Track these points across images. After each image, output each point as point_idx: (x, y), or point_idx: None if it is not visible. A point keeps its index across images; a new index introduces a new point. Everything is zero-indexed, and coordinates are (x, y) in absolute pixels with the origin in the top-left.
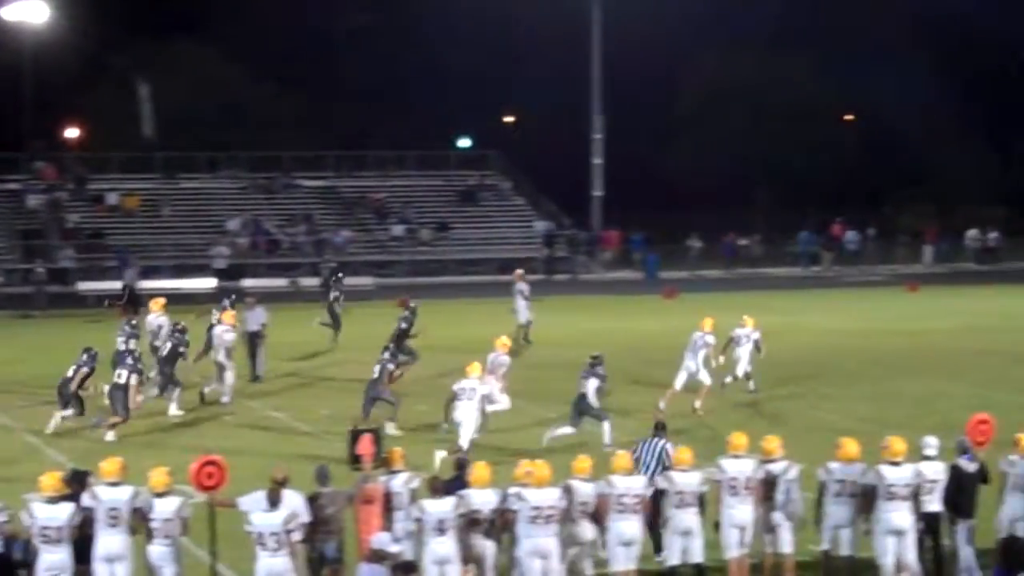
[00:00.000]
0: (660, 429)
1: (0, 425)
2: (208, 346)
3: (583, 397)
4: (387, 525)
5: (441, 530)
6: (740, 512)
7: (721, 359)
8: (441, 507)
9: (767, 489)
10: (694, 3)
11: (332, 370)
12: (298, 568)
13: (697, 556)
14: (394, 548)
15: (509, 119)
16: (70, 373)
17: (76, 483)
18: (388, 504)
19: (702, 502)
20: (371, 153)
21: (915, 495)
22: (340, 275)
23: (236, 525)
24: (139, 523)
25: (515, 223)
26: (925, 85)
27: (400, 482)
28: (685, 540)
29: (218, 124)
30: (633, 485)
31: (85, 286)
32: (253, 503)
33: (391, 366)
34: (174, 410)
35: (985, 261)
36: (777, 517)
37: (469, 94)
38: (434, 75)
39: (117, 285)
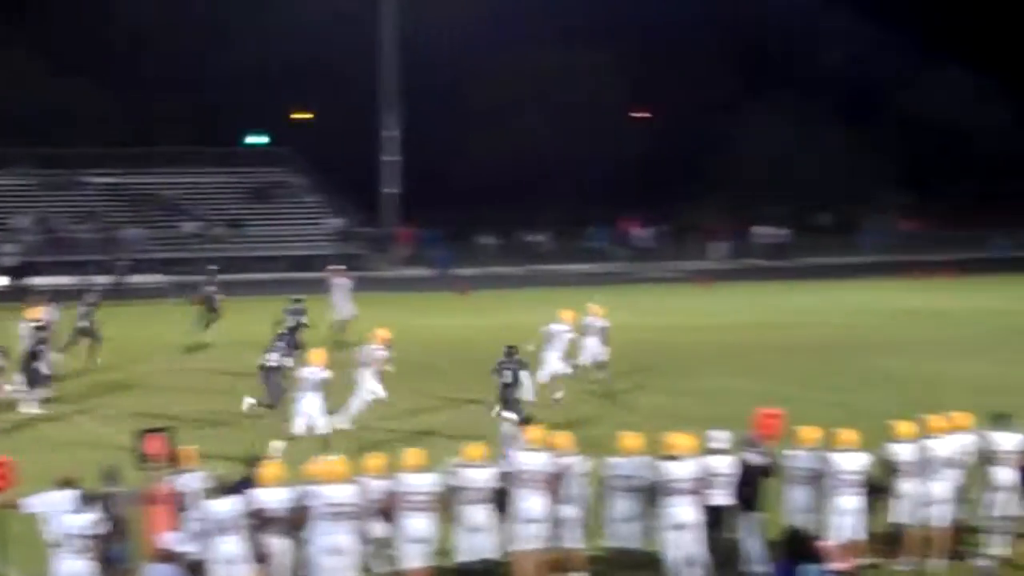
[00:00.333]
0: (524, 422)
1: None
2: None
3: (508, 387)
4: (177, 525)
5: (226, 530)
6: (531, 505)
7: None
8: (224, 507)
9: (557, 483)
10: None
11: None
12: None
13: (488, 552)
14: (183, 548)
15: (304, 116)
16: None
17: None
18: (178, 504)
19: (495, 497)
20: (162, 149)
21: (699, 489)
22: (214, 268)
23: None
24: None
25: (308, 220)
26: (716, 82)
27: (189, 481)
28: (476, 536)
29: (6, 119)
30: (424, 483)
31: None
32: (53, 504)
33: (288, 359)
34: (27, 408)
35: (775, 257)
36: (566, 511)
37: (263, 91)
38: (228, 71)
39: None
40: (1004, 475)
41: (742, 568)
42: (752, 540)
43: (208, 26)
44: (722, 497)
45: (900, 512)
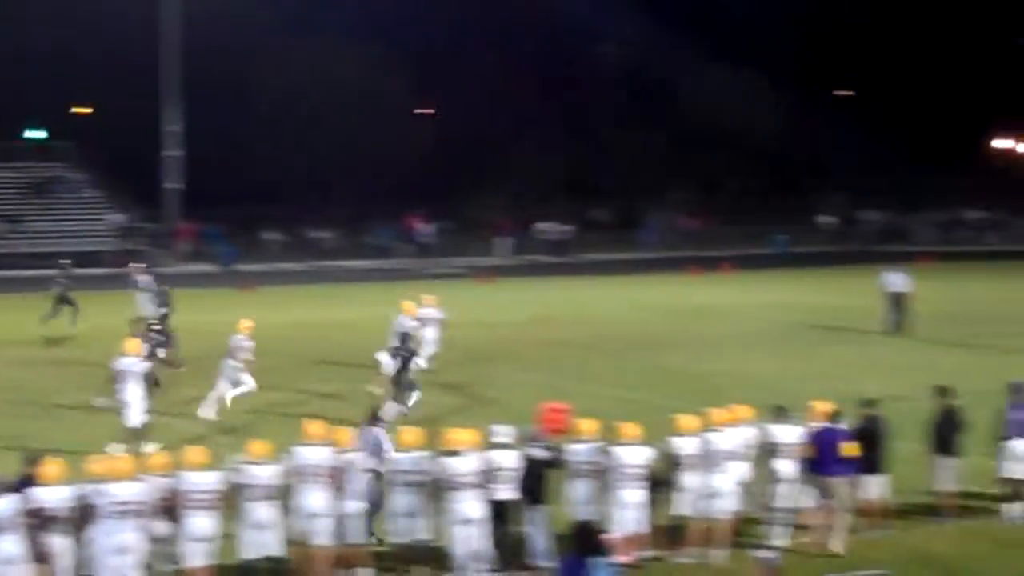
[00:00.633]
0: (375, 418)
1: None
2: None
3: (404, 371)
4: None
5: (4, 529)
6: (315, 500)
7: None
8: (1, 506)
9: (340, 478)
10: None
11: None
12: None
13: (275, 550)
14: None
15: (83, 110)
16: None
17: None
18: None
19: (280, 495)
20: None
21: (483, 484)
22: (67, 262)
23: None
24: None
25: (88, 216)
26: (498, 79)
27: None
28: (260, 533)
29: None
30: (207, 481)
31: None
32: None
33: (160, 351)
34: None
35: (557, 253)
36: (351, 507)
37: (41, 84)
38: (4, 64)
39: None
40: (784, 467)
41: (528, 562)
42: (537, 534)
43: None
44: (506, 492)
45: (683, 505)
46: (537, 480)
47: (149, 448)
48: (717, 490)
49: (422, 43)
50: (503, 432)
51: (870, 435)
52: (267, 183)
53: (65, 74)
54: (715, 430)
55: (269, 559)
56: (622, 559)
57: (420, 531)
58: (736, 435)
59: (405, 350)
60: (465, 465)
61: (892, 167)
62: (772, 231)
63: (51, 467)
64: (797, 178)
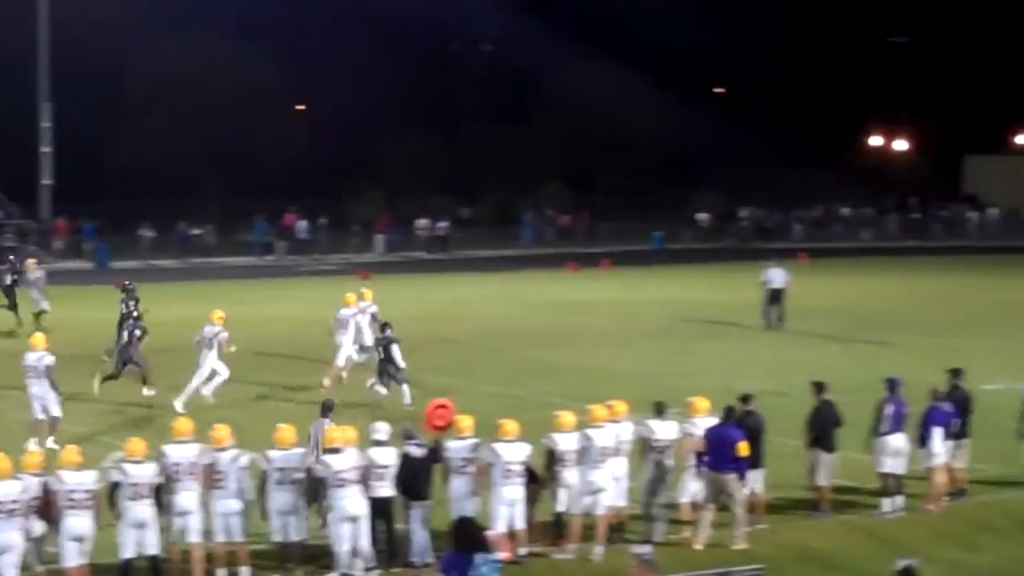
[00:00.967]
0: (327, 410)
1: None
2: None
3: (388, 361)
4: None
5: None
6: (185, 498)
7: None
8: None
9: (213, 476)
10: None
11: None
12: None
13: (152, 548)
14: None
15: None
16: None
17: None
18: None
19: (157, 493)
20: None
21: (364, 481)
22: (11, 257)
23: None
24: None
25: None
26: (372, 76)
27: None
28: (140, 532)
29: None
30: (84, 481)
31: None
32: None
33: (138, 332)
34: None
35: (435, 250)
36: (231, 505)
37: None
38: None
39: None
40: (661, 462)
41: (409, 559)
42: (418, 531)
43: None
44: (386, 489)
45: (563, 501)
46: (416, 477)
47: (49, 444)
48: (596, 486)
49: (297, 39)
50: (382, 429)
51: (747, 430)
52: (142, 180)
53: None
54: (595, 426)
55: (147, 558)
56: (503, 555)
57: (298, 529)
58: (616, 431)
59: (386, 339)
60: (346, 462)
61: (769, 164)
62: (650, 228)
63: None
64: (674, 175)
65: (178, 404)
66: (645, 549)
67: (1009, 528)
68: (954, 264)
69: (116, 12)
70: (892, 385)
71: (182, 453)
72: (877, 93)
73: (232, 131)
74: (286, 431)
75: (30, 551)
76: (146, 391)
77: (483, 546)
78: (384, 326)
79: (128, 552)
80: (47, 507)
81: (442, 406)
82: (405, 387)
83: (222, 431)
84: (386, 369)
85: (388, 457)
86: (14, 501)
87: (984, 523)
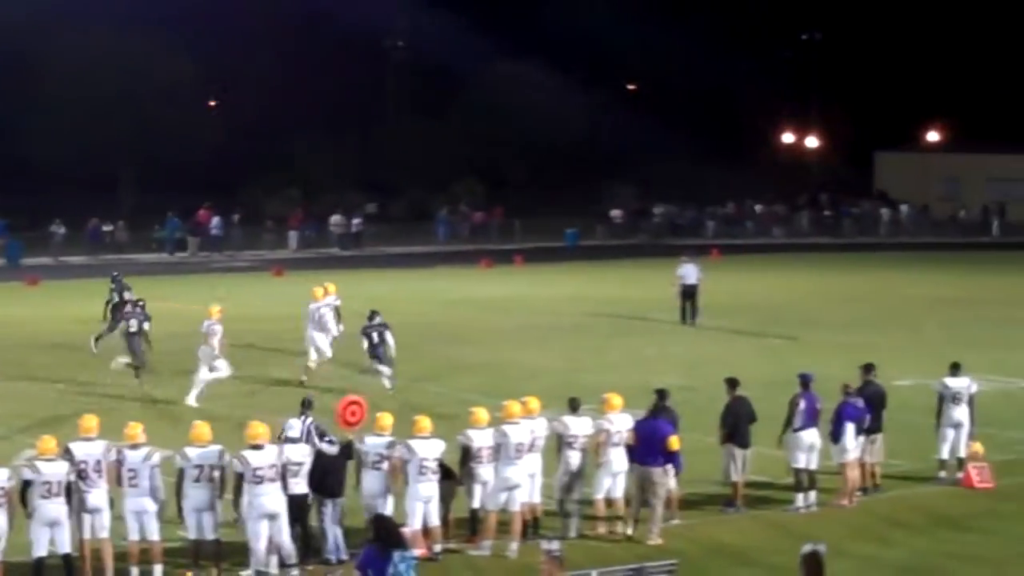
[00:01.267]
0: (307, 407)
1: None
2: None
3: (377, 347)
4: None
5: None
6: (95, 496)
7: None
8: None
9: (119, 474)
10: None
11: None
12: None
13: (65, 546)
14: None
15: None
16: None
17: None
18: None
19: (69, 492)
20: None
21: (280, 478)
22: None
23: None
24: None
25: None
26: (287, 71)
27: None
28: (52, 531)
29: None
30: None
31: None
32: None
33: (146, 325)
34: None
35: (349, 247)
36: (145, 504)
37: None
38: None
39: None
40: (575, 458)
41: (324, 556)
42: (332, 528)
43: None
44: (300, 486)
45: (478, 497)
46: (329, 474)
47: None
48: (512, 482)
49: (211, 34)
50: (296, 426)
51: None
52: (53, 175)
53: None
54: (510, 423)
55: (60, 556)
56: (418, 552)
57: (214, 527)
58: (530, 427)
59: (377, 326)
60: (264, 459)
61: (682, 161)
62: (563, 225)
63: None
64: (588, 172)
65: (191, 400)
66: (554, 545)
67: (921, 523)
68: (865, 260)
69: (25, 3)
70: (805, 381)
71: (87, 450)
72: (789, 90)
73: (145, 125)
74: (202, 427)
75: None
76: (115, 363)
77: (400, 543)
78: (373, 313)
79: (41, 550)
80: None
81: (355, 403)
82: (390, 372)
83: (134, 428)
84: (376, 352)
85: (301, 454)
86: None
87: (897, 518)
